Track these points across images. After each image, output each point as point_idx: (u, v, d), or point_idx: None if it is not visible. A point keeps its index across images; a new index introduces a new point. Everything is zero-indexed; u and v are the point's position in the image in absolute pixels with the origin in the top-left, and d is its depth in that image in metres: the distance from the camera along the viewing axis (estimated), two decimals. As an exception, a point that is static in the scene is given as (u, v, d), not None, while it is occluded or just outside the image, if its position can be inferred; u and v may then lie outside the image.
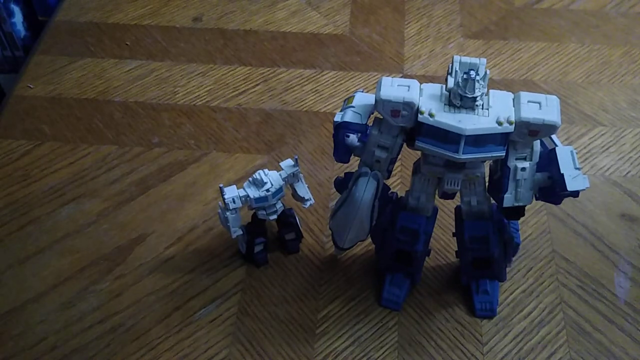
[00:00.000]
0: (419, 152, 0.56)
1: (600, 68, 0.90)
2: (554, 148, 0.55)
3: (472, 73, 0.50)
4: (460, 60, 0.52)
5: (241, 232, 0.65)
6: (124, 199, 0.75)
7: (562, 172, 0.53)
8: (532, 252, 0.69)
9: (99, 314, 0.65)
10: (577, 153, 0.59)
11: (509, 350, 0.62)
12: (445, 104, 0.51)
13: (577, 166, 0.53)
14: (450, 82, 0.51)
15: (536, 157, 0.54)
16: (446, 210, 0.72)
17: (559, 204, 0.56)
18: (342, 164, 0.74)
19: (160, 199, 0.75)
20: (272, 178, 0.63)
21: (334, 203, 0.63)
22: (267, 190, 0.63)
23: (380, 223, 0.61)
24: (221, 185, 0.62)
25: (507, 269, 0.66)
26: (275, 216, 0.65)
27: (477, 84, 0.50)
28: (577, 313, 0.65)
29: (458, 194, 0.59)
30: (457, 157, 0.51)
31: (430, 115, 0.51)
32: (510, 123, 0.50)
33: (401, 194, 0.63)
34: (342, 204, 0.59)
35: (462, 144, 0.50)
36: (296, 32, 0.97)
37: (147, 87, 0.89)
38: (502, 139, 0.52)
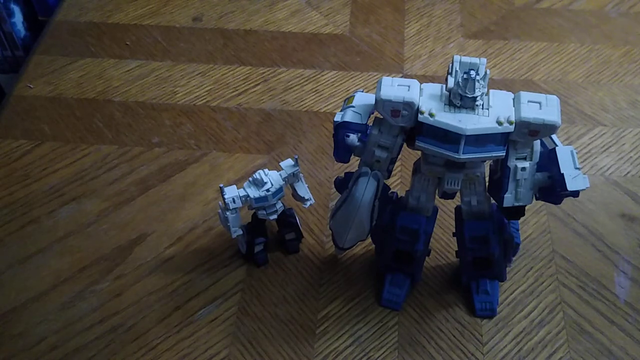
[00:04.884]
0: (419, 152, 0.56)
1: (600, 68, 0.90)
2: (554, 148, 0.55)
3: (472, 73, 0.50)
4: (460, 60, 0.52)
5: (241, 232, 0.65)
6: (124, 199, 0.75)
7: (562, 172, 0.53)
8: (532, 252, 0.69)
9: (99, 314, 0.65)
10: (577, 153, 0.59)
11: (509, 350, 0.62)
12: (445, 104, 0.51)
13: (577, 166, 0.53)
14: (451, 82, 0.51)
15: (536, 157, 0.54)
16: (446, 210, 0.72)
17: (559, 203, 0.56)
18: (342, 164, 0.74)
19: (160, 199, 0.75)
20: (272, 178, 0.63)
21: (334, 203, 0.63)
22: (267, 190, 0.63)
23: (380, 223, 0.61)
24: (221, 185, 0.62)
25: (507, 269, 0.66)
26: (275, 216, 0.65)
27: (477, 84, 0.50)
28: (577, 313, 0.65)
29: (458, 194, 0.59)
30: (457, 157, 0.51)
31: (431, 115, 0.51)
32: (510, 123, 0.50)
33: (401, 194, 0.63)
34: (342, 204, 0.59)
35: (462, 143, 0.50)
36: (296, 32, 0.97)
37: (147, 87, 0.89)
38: (502, 139, 0.52)
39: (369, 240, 0.65)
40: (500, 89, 0.53)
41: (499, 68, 0.91)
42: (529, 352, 0.62)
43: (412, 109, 0.52)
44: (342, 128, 0.56)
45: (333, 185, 0.64)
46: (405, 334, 0.63)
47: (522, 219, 0.59)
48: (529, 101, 0.52)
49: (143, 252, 0.70)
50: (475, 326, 0.64)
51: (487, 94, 0.52)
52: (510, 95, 0.53)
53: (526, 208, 0.56)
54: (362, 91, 0.59)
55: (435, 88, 0.53)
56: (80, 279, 0.68)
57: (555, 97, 0.52)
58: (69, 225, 0.73)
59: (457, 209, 0.62)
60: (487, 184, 0.58)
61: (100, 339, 0.63)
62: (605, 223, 0.72)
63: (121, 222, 0.73)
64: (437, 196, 0.60)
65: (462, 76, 0.50)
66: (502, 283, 0.66)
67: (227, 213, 0.63)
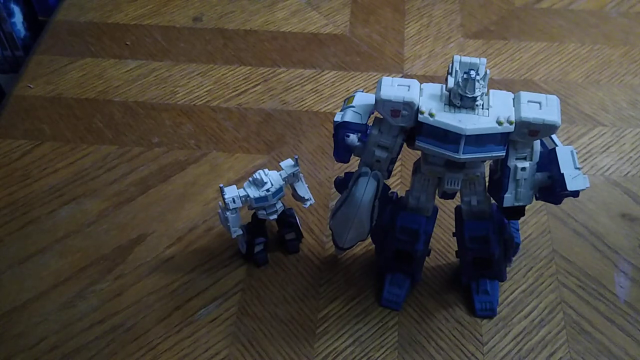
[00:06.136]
0: (419, 152, 0.56)
1: (600, 68, 0.90)
2: (554, 148, 0.55)
3: (472, 73, 0.50)
4: (460, 60, 0.52)
5: (241, 232, 0.65)
6: (124, 199, 0.75)
7: (562, 171, 0.53)
8: (532, 252, 0.69)
9: (99, 314, 0.65)
10: (577, 153, 0.59)
11: (509, 350, 0.62)
12: (445, 104, 0.51)
13: (577, 166, 0.53)
14: (451, 82, 0.51)
15: (536, 157, 0.54)
16: (446, 210, 0.72)
17: (559, 203, 0.56)
18: (342, 164, 0.74)
19: (160, 199, 0.75)
20: (272, 178, 0.63)
21: (334, 203, 0.62)
22: (267, 190, 0.63)
23: (380, 223, 0.61)
24: (221, 185, 0.62)
25: (507, 269, 0.66)
26: (275, 216, 0.65)
27: (477, 84, 0.50)
28: (577, 313, 0.65)
29: (458, 194, 0.59)
30: (457, 157, 0.51)
31: (431, 115, 0.51)
32: (510, 123, 0.50)
33: (401, 194, 0.63)
34: (342, 204, 0.59)
35: (462, 143, 0.50)
36: (296, 32, 0.97)
37: (147, 87, 0.89)
38: (502, 139, 0.52)
39: (369, 240, 0.65)
40: (500, 89, 0.53)
41: (499, 68, 0.91)
42: (529, 352, 0.62)
43: (412, 109, 0.52)
44: (342, 128, 0.56)
45: (333, 185, 0.64)
46: (405, 334, 0.63)
47: (522, 219, 0.59)
48: (529, 101, 0.52)
49: (143, 252, 0.70)
50: (475, 326, 0.64)
51: (487, 94, 0.52)
52: (510, 95, 0.53)
53: (526, 208, 0.56)
54: (362, 91, 0.59)
55: (435, 88, 0.53)
56: (80, 279, 0.68)
57: (555, 97, 0.52)
58: (69, 225, 0.73)
59: (457, 209, 0.62)
60: (487, 184, 0.58)
61: (100, 339, 0.63)
62: (605, 223, 0.72)
63: (121, 222, 0.73)
64: (437, 196, 0.60)
65: (462, 76, 0.50)
66: (502, 283, 0.66)
67: (227, 213, 0.63)
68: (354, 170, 0.59)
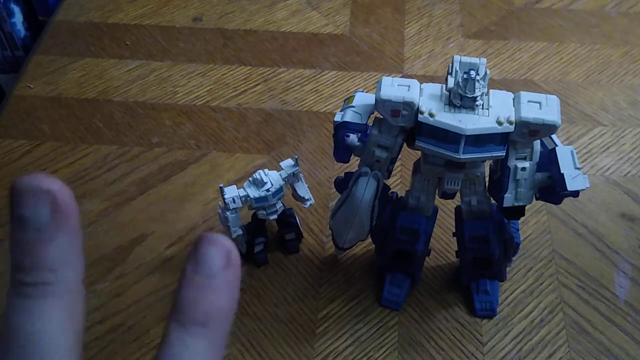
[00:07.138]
0: (419, 152, 0.56)
1: (600, 68, 0.90)
2: (554, 148, 0.55)
3: (472, 73, 0.50)
4: (460, 60, 0.52)
5: (241, 232, 0.64)
6: (124, 199, 0.75)
7: (562, 171, 0.53)
8: (532, 252, 0.69)
9: (99, 314, 0.65)
10: (577, 153, 0.59)
11: (509, 350, 0.62)
12: (445, 104, 0.51)
13: (577, 166, 0.53)
14: (451, 82, 0.51)
15: (536, 157, 0.54)
16: (446, 210, 0.72)
17: (559, 203, 0.56)
18: (342, 164, 0.74)
19: (160, 199, 0.75)
20: (272, 178, 0.63)
21: (334, 203, 0.62)
22: (267, 190, 0.63)
23: (380, 223, 0.61)
24: (221, 185, 0.62)
25: (507, 269, 0.66)
26: (275, 216, 0.65)
27: (477, 84, 0.50)
28: (577, 313, 0.65)
29: (458, 194, 0.59)
30: (457, 157, 0.51)
31: (431, 115, 0.51)
32: (510, 123, 0.50)
33: (401, 194, 0.63)
34: (342, 204, 0.59)
35: (462, 143, 0.50)
36: (296, 32, 0.97)
37: (147, 87, 0.89)
38: (502, 139, 0.51)
39: (369, 240, 0.65)
40: (500, 89, 0.53)
41: (499, 68, 0.91)
42: (529, 352, 0.62)
43: (412, 109, 0.52)
44: (342, 128, 0.56)
45: (333, 185, 0.64)
46: (405, 334, 0.63)
47: (522, 219, 0.59)
48: (529, 101, 0.52)
49: (143, 252, 0.70)
50: (475, 326, 0.64)
51: (487, 94, 0.52)
52: (510, 95, 0.53)
53: (526, 208, 0.56)
54: (362, 91, 0.59)
55: (435, 88, 0.53)
56: (80, 279, 0.68)
57: (555, 97, 0.52)
58: (69, 225, 0.73)
59: (457, 209, 0.62)
60: (487, 184, 0.58)
61: (100, 339, 0.63)
62: (605, 223, 0.72)
63: (121, 222, 0.73)
64: (437, 196, 0.60)
65: (462, 76, 0.50)
66: (502, 283, 0.66)
67: (227, 213, 0.63)
68: (354, 170, 0.59)
